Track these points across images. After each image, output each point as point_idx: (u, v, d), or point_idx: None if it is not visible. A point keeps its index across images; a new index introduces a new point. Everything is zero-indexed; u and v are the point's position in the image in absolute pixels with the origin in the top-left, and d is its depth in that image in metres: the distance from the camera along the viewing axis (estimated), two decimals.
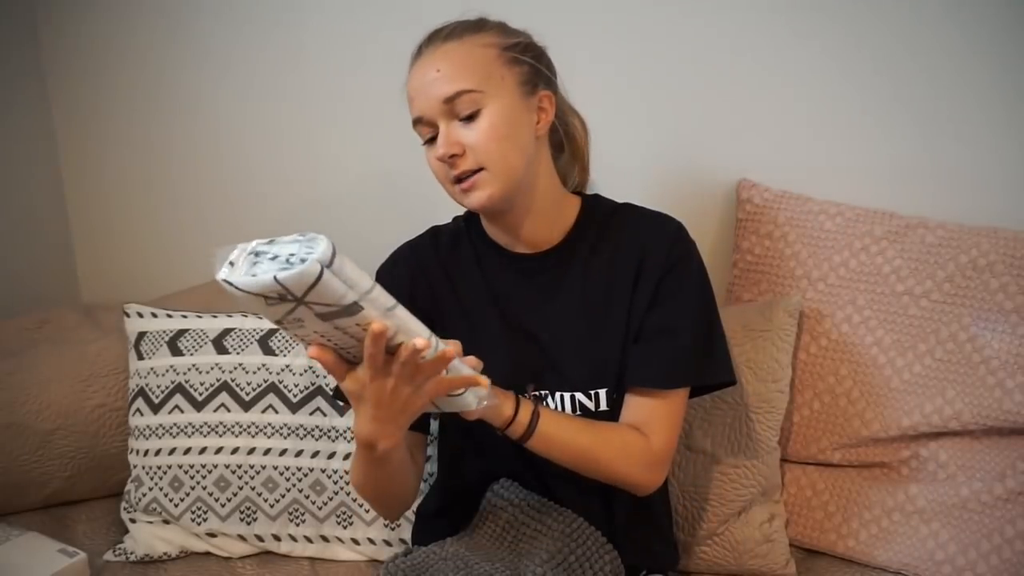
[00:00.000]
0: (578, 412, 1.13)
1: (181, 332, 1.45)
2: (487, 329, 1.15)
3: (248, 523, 1.39)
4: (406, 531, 1.35)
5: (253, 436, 1.39)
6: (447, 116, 1.05)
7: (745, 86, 1.49)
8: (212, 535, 1.41)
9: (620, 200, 1.20)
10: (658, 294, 1.12)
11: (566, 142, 1.19)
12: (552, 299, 1.15)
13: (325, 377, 1.39)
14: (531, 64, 1.10)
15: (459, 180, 1.06)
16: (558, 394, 1.13)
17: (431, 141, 1.08)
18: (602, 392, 1.13)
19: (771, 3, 1.45)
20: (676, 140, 1.54)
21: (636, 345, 1.12)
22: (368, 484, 1.12)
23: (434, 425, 1.29)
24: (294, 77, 1.67)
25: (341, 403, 1.34)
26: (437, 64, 1.05)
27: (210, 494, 1.39)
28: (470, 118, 1.05)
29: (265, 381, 1.40)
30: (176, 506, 1.40)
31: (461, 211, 1.22)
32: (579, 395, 1.13)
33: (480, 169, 1.05)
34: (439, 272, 1.18)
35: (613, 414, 1.13)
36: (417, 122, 1.08)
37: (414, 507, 1.30)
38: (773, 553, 1.31)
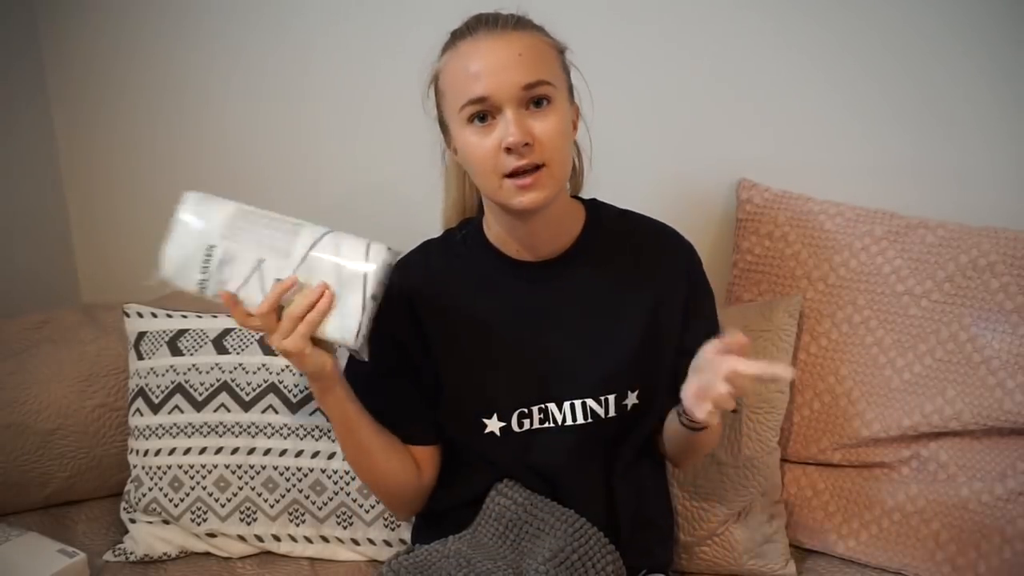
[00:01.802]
0: (589, 419, 1.13)
1: (181, 332, 1.45)
2: (492, 340, 1.14)
3: (248, 523, 1.39)
4: (406, 531, 1.35)
5: (253, 436, 1.39)
6: (519, 104, 1.01)
7: (745, 86, 1.49)
8: (212, 535, 1.40)
9: (620, 203, 1.21)
10: (687, 315, 1.15)
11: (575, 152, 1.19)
12: (560, 306, 1.14)
13: None
14: (569, 73, 1.11)
15: (515, 175, 1.02)
16: (566, 403, 1.13)
17: (480, 121, 1.03)
18: (611, 398, 1.13)
19: (771, 3, 1.45)
20: (676, 140, 1.54)
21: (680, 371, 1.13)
22: (351, 460, 1.19)
23: None
24: (297, 79, 1.66)
25: None
26: (518, 48, 1.02)
27: (210, 494, 1.39)
28: (541, 111, 1.02)
29: (265, 381, 1.39)
30: (176, 506, 1.40)
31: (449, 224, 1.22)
32: (590, 401, 1.13)
33: (542, 165, 1.02)
34: (432, 290, 1.16)
35: (622, 420, 1.13)
36: (475, 102, 1.01)
37: None
38: (773, 553, 1.31)
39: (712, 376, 0.95)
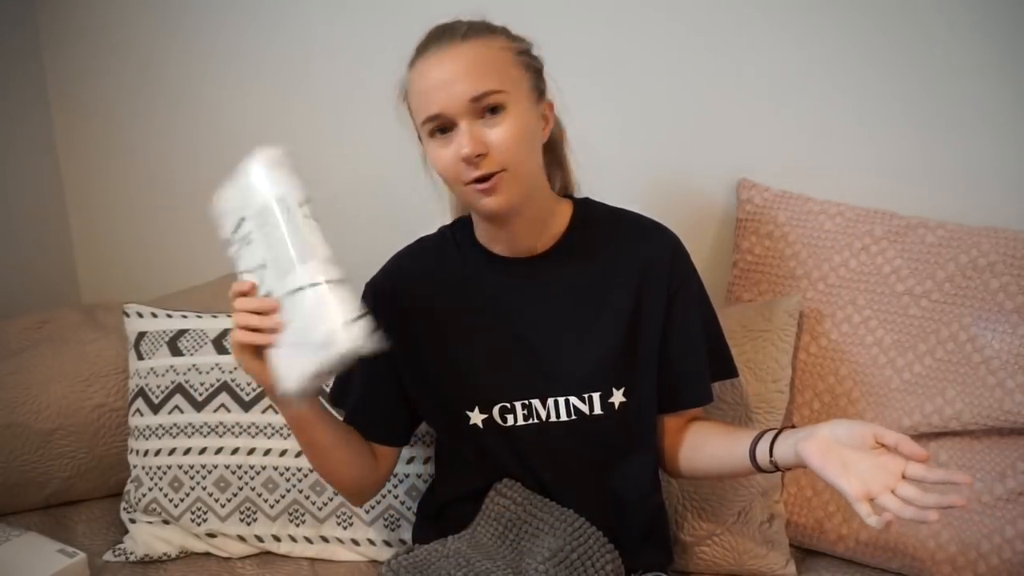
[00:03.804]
0: (573, 416, 1.13)
1: (181, 332, 1.45)
2: (477, 337, 1.15)
3: (248, 523, 1.39)
4: (406, 531, 1.35)
5: (253, 436, 1.39)
6: (471, 115, 1.03)
7: (745, 86, 1.49)
8: (212, 535, 1.41)
9: (619, 203, 1.21)
10: (673, 314, 1.16)
11: (547, 148, 1.16)
12: (543, 303, 1.15)
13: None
14: (537, 71, 1.11)
15: (478, 181, 1.04)
16: (550, 400, 1.13)
17: (439, 136, 1.06)
18: (595, 396, 1.13)
19: (770, 3, 1.45)
20: (676, 140, 1.54)
21: (671, 369, 1.17)
22: (305, 455, 1.19)
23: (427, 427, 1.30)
24: (296, 80, 1.67)
25: (338, 407, 1.31)
26: (464, 61, 1.04)
27: (210, 494, 1.39)
28: (494, 119, 1.04)
29: None
30: (176, 506, 1.40)
31: (447, 221, 1.22)
32: (573, 399, 1.13)
33: (502, 170, 1.04)
34: (424, 286, 1.18)
35: (608, 418, 1.13)
36: (431, 119, 1.05)
37: (414, 508, 1.30)
38: (773, 553, 1.31)
39: (884, 475, 0.95)
